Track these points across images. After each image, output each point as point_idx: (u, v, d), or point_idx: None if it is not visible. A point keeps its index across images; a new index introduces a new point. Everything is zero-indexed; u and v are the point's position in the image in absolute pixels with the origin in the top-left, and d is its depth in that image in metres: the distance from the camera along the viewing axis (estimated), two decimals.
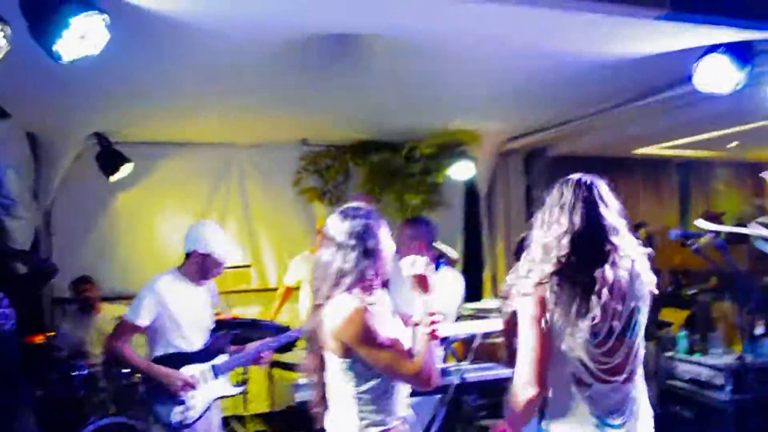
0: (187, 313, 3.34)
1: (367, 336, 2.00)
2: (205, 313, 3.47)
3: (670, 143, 6.98)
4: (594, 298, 1.97)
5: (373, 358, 2.01)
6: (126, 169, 5.36)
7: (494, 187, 6.90)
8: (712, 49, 3.27)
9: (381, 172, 6.12)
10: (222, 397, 3.48)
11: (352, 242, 2.10)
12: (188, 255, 3.38)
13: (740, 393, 3.53)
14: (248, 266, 5.95)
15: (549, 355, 2.01)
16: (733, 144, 6.99)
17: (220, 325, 3.84)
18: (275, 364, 4.81)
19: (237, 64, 3.85)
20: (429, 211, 6.08)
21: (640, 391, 2.10)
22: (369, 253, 2.10)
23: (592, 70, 4.09)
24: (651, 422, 2.12)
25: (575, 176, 2.26)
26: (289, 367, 4.61)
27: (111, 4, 2.50)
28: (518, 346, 2.06)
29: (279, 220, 6.34)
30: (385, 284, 2.20)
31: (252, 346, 3.53)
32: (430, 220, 4.25)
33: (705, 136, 6.39)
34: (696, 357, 3.85)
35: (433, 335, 2.04)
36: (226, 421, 5.55)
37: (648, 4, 2.36)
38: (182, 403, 3.23)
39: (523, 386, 2.00)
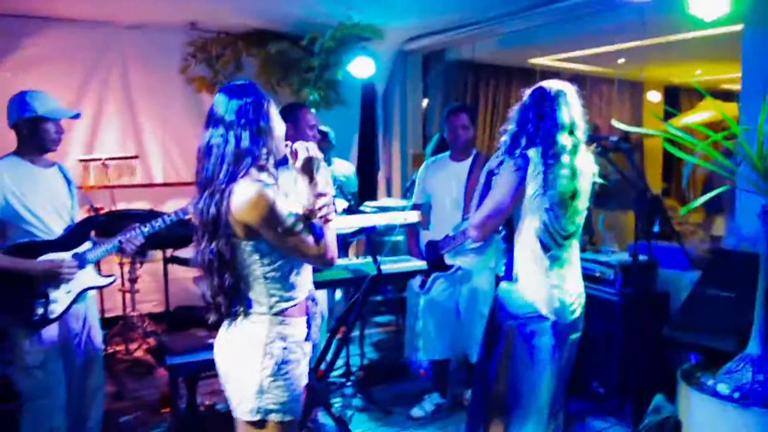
0: (37, 197, 2.96)
1: (272, 218, 1.95)
2: (60, 196, 3.08)
3: (565, 55, 7.12)
4: None
5: (278, 240, 1.99)
6: None
7: (392, 87, 6.78)
8: None
9: (277, 64, 5.79)
10: (89, 288, 3.12)
11: (243, 121, 1.98)
12: (16, 128, 2.97)
13: (629, 287, 3.83)
14: (134, 157, 5.52)
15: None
16: (622, 60, 7.24)
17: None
18: (171, 259, 4.57)
19: None
20: (326, 108, 5.88)
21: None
22: (261, 131, 2.01)
23: None
24: None
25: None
26: (186, 262, 4.37)
27: None
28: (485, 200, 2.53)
29: (165, 110, 5.90)
30: (278, 164, 2.11)
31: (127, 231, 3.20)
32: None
33: (600, 49, 6.55)
34: (589, 255, 4.07)
35: (325, 219, 2.06)
36: (114, 321, 5.35)
37: None
38: (44, 295, 2.94)
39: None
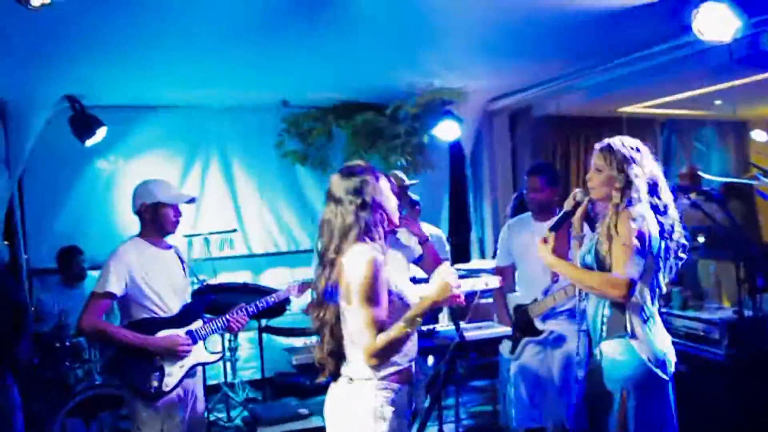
0: (158, 277, 3.17)
1: (366, 287, 2.07)
2: (176, 276, 3.30)
3: (655, 101, 6.92)
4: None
5: (358, 304, 2.08)
6: (101, 133, 5.17)
7: (479, 147, 6.81)
8: None
9: (365, 134, 5.99)
10: (200, 364, 3.31)
11: (350, 197, 2.17)
12: (139, 214, 3.23)
13: (736, 347, 3.52)
14: (233, 231, 5.82)
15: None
16: (718, 102, 6.95)
17: (202, 291, 3.72)
18: (266, 329, 4.73)
19: (214, 21, 3.70)
20: (414, 173, 5.98)
21: None
22: (367, 205, 2.17)
23: (579, 24, 4.01)
24: None
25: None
26: (280, 331, 4.52)
27: None
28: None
29: (261, 183, 6.21)
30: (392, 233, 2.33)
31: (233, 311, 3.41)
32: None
33: (689, 93, 6.33)
34: (691, 312, 3.82)
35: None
36: (215, 389, 5.55)
37: None
38: (160, 369, 3.12)
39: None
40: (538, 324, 3.66)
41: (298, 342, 3.53)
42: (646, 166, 2.57)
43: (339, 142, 6.15)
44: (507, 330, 3.56)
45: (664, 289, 2.60)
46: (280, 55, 4.52)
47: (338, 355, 2.20)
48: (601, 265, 2.55)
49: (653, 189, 2.54)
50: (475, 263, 6.23)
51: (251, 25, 3.81)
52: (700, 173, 3.08)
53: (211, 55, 4.39)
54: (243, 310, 3.37)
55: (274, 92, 5.78)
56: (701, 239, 5.88)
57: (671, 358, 2.52)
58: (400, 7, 3.64)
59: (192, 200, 3.39)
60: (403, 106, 5.73)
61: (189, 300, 3.37)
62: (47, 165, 5.46)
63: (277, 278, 6.00)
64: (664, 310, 4.14)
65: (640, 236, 2.43)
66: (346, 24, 3.88)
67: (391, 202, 2.28)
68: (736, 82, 5.47)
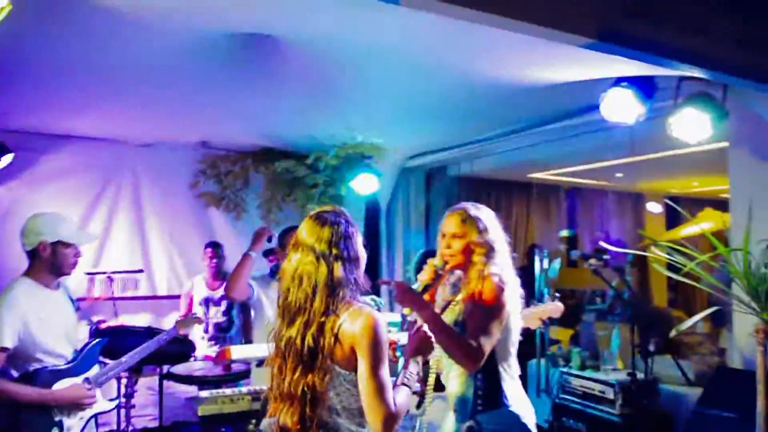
0: (51, 323, 2.93)
1: (378, 345, 1.92)
2: (69, 319, 3.07)
3: (563, 170, 7.32)
4: None
5: (368, 373, 1.91)
6: (6, 160, 4.92)
7: (395, 202, 6.95)
8: (618, 81, 3.44)
9: (283, 181, 6.02)
10: (100, 413, 3.11)
11: (334, 251, 2.00)
12: (34, 252, 2.93)
13: (629, 407, 3.71)
14: (140, 271, 5.63)
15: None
16: (620, 174, 7.42)
17: (99, 333, 3.56)
18: (168, 375, 4.55)
19: (139, 56, 3.63)
20: None
21: None
22: (352, 260, 2.03)
23: (502, 93, 4.20)
24: None
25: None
26: (183, 379, 4.35)
27: None
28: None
29: (173, 224, 6.06)
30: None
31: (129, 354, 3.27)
32: None
33: (595, 165, 6.74)
34: (588, 373, 4.02)
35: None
36: None
37: (577, 31, 2.41)
38: (58, 425, 2.91)
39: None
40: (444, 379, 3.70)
41: (203, 392, 3.40)
42: (500, 231, 2.62)
43: (256, 187, 6.12)
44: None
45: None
46: (202, 97, 4.49)
47: (320, 425, 1.97)
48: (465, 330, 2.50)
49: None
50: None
51: (175, 65, 3.77)
52: (602, 244, 3.27)
53: (132, 89, 4.30)
54: (143, 350, 3.25)
55: (194, 132, 5.73)
56: (599, 302, 6.19)
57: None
58: (326, 61, 3.70)
59: (95, 240, 3.25)
60: (323, 157, 5.79)
61: (78, 343, 3.18)
62: None
63: None
64: (563, 369, 4.36)
65: (502, 301, 2.45)
66: (270, 72, 3.90)
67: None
68: (636, 158, 5.88)
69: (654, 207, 9.42)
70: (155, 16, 2.98)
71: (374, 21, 2.97)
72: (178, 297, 5.96)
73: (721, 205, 8.20)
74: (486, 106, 4.61)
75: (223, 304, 5.43)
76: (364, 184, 5.94)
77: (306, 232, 2.05)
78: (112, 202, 5.87)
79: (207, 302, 5.46)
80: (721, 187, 8.34)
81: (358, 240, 2.10)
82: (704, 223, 7.66)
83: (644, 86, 3.37)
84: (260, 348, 2.99)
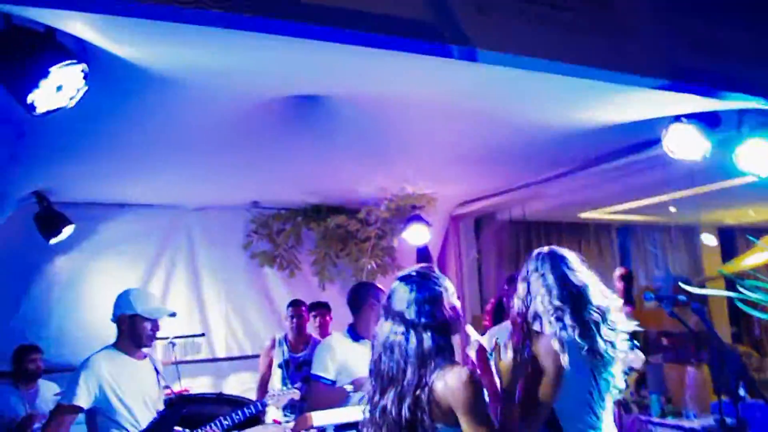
0: (130, 389, 3.06)
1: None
2: (150, 388, 3.20)
3: (615, 208, 7.19)
4: None
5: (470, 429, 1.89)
6: (67, 231, 5.04)
7: (445, 250, 6.90)
8: (676, 117, 3.39)
9: (336, 236, 6.02)
10: None
11: (423, 320, 1.98)
12: (117, 323, 3.18)
13: None
14: (201, 335, 5.66)
15: None
16: (673, 209, 7.26)
17: (170, 402, 3.56)
18: None
19: (187, 124, 3.71)
20: (383, 275, 5.99)
21: None
22: (442, 329, 2.00)
23: (552, 136, 4.16)
24: None
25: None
26: None
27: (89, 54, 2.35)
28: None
29: (229, 285, 6.10)
30: None
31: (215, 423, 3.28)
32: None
33: (647, 201, 6.61)
34: (670, 419, 3.85)
35: None
36: None
37: (648, 73, 2.40)
38: None
39: None
40: None
41: None
42: None
43: (308, 244, 6.15)
44: None
45: None
46: (253, 159, 4.56)
47: None
48: None
49: None
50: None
51: (225, 129, 3.84)
52: (681, 285, 3.16)
53: (184, 155, 4.40)
54: (217, 424, 3.25)
55: (245, 192, 5.81)
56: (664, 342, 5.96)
57: None
58: (373, 115, 3.71)
59: (173, 314, 3.32)
60: (374, 210, 5.80)
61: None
62: (5, 261, 5.24)
63: (242, 383, 5.81)
64: (643, 417, 4.18)
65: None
66: (319, 130, 3.95)
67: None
68: (696, 191, 5.75)
69: (708, 239, 9.15)
70: (204, 83, 3.05)
71: (418, 71, 2.96)
72: (237, 359, 5.97)
73: None
74: (534, 150, 4.58)
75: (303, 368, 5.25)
76: (416, 235, 5.93)
77: (396, 297, 2.04)
78: (169, 266, 5.95)
79: (287, 364, 5.21)
80: None
81: (450, 302, 2.05)
82: (762, 253, 7.47)
83: (708, 120, 3.31)
84: (342, 413, 2.92)
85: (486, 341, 3.29)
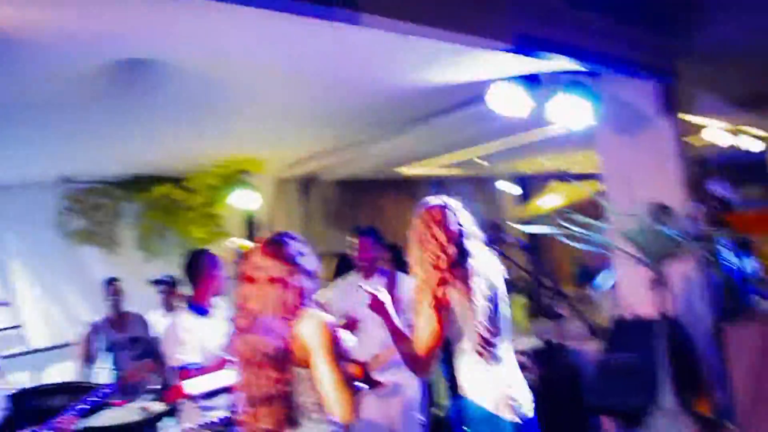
0: None
1: (333, 347, 2.12)
2: None
3: (429, 162, 7.61)
4: None
5: (325, 367, 2.10)
6: None
7: (273, 215, 6.89)
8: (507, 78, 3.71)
9: (160, 207, 5.76)
10: None
11: (297, 266, 2.22)
12: None
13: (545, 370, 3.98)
14: (17, 327, 5.14)
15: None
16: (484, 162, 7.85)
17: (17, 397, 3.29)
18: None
19: None
20: (212, 243, 5.85)
21: None
22: (310, 274, 2.26)
23: (387, 96, 4.27)
24: None
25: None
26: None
27: None
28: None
29: (43, 269, 5.60)
30: None
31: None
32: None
33: (459, 155, 7.09)
34: None
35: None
36: None
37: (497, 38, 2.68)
38: None
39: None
40: (378, 377, 3.75)
41: None
42: None
43: (130, 217, 5.82)
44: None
45: None
46: (62, 128, 4.20)
47: (291, 422, 2.15)
48: None
49: None
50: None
51: (30, 100, 3.52)
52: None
53: None
54: (72, 410, 3.03)
55: (54, 167, 5.33)
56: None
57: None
58: (202, 79, 3.58)
59: (5, 303, 3.01)
60: (200, 177, 5.63)
61: None
62: None
63: (67, 374, 5.39)
64: None
65: None
66: (140, 94, 3.71)
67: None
68: (497, 144, 6.27)
69: (506, 186, 9.88)
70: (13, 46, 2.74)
71: (240, 31, 2.94)
72: (59, 347, 5.53)
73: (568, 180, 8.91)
74: (370, 111, 4.69)
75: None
76: (243, 200, 5.86)
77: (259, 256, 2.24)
78: None
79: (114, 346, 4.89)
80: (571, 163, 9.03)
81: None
82: (553, 195, 8.39)
83: (531, 81, 3.66)
84: (213, 379, 2.88)
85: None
